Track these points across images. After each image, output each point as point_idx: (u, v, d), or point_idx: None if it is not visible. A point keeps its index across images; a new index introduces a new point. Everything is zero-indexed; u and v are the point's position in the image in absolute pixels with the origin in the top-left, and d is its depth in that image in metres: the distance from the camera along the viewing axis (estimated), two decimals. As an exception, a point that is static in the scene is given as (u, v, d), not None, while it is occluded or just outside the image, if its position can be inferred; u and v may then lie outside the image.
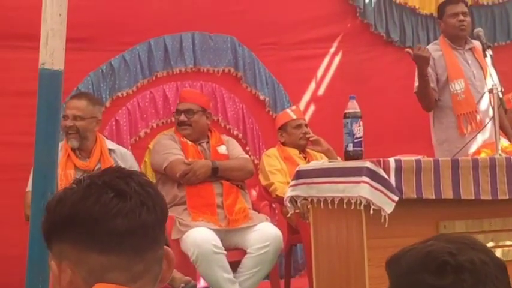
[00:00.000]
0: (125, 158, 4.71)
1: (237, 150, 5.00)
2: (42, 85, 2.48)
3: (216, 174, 4.71)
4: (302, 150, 5.16)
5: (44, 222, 1.41)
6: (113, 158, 4.62)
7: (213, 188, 4.65)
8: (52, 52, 2.43)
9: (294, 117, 5.23)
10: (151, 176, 4.89)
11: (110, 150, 4.65)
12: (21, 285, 2.48)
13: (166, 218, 1.43)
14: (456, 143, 4.84)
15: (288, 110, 5.41)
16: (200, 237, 4.29)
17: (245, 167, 4.91)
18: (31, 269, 2.40)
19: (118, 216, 1.34)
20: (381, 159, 3.52)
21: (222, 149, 4.91)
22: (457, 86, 4.97)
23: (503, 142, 4.39)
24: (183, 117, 4.89)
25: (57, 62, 2.44)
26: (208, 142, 4.93)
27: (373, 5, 6.57)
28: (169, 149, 4.72)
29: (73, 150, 4.52)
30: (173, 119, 5.22)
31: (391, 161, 3.53)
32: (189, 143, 4.81)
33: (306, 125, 5.25)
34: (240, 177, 4.86)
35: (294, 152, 5.10)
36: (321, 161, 4.39)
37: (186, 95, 5.22)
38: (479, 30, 4.63)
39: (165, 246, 1.44)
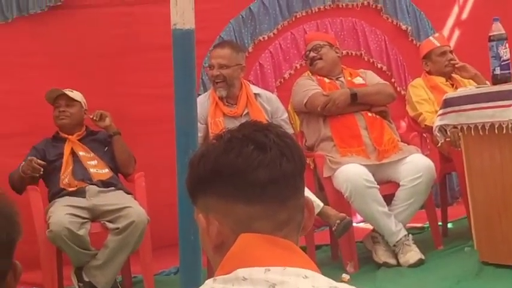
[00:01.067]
0: (270, 101, 4.78)
1: (374, 78, 4.94)
2: (176, 45, 2.55)
3: (355, 100, 4.69)
4: (449, 77, 5.05)
5: (188, 177, 1.47)
6: (259, 103, 4.70)
7: (356, 120, 4.63)
8: (182, 12, 2.49)
9: (438, 44, 5.11)
10: (294, 119, 4.96)
11: (255, 94, 4.73)
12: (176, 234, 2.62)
13: (305, 167, 1.47)
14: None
15: (431, 38, 5.29)
16: (352, 172, 4.31)
17: (384, 90, 4.85)
18: (182, 221, 2.52)
19: (260, 167, 1.38)
20: (531, 79, 3.42)
21: (359, 80, 4.86)
22: None
23: None
24: (312, 54, 4.89)
25: (188, 21, 2.50)
26: (343, 77, 4.90)
27: None
28: (307, 86, 4.73)
29: (220, 98, 4.63)
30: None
31: (542, 81, 3.43)
32: (326, 80, 4.79)
33: (451, 52, 5.12)
34: (381, 101, 4.78)
35: (440, 80, 5.01)
36: (468, 88, 4.31)
37: (310, 36, 5.25)
38: None
39: (306, 195, 1.48)
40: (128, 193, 4.44)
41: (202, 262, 2.57)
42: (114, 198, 4.31)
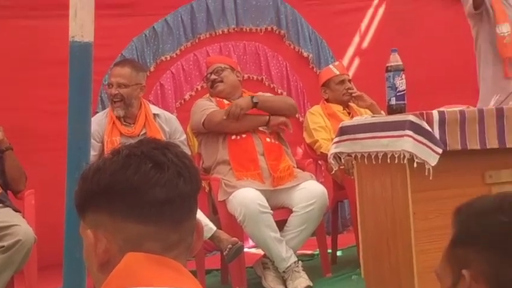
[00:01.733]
0: (169, 122, 4.72)
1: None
2: (73, 58, 2.49)
3: (256, 105, 4.68)
4: (346, 106, 5.13)
5: (79, 191, 1.43)
6: (158, 123, 4.64)
7: (255, 144, 4.63)
8: (81, 24, 2.43)
9: (337, 72, 5.18)
10: (193, 141, 4.92)
11: (154, 115, 4.67)
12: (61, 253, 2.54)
13: (200, 189, 1.45)
14: (500, 82, 4.79)
15: (330, 66, 5.36)
16: (246, 197, 4.30)
17: (286, 100, 4.92)
18: (68, 239, 2.45)
19: (157, 186, 1.36)
20: (424, 111, 3.48)
21: None
22: (504, 28, 4.87)
23: (552, 88, 4.30)
24: (213, 76, 4.87)
25: (87, 34, 2.44)
26: None
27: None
28: (206, 106, 4.71)
29: (118, 117, 4.55)
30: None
31: (435, 113, 3.48)
32: (225, 101, 4.79)
33: (349, 80, 5.20)
34: (282, 109, 4.75)
35: (337, 108, 5.07)
36: (364, 116, 4.36)
37: (212, 59, 5.24)
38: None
39: (197, 218, 1.45)
40: (17, 211, 4.29)
41: (88, 283, 2.50)
42: (1, 216, 4.16)
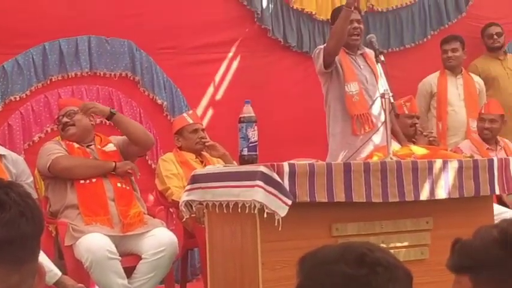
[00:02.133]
0: (16, 163, 4.58)
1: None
2: None
3: (112, 117, 4.67)
4: (199, 154, 5.16)
5: None
6: (4, 164, 4.49)
7: (105, 189, 4.56)
8: None
9: (191, 121, 5.22)
10: (40, 184, 4.80)
11: (0, 156, 4.53)
12: None
13: (43, 230, 1.41)
14: (348, 139, 4.96)
15: (184, 115, 5.40)
16: (94, 243, 4.21)
17: (145, 129, 5.01)
18: None
19: None
20: (275, 163, 3.54)
21: (110, 147, 4.82)
22: (352, 87, 5.06)
23: (395, 146, 4.48)
24: (65, 119, 4.79)
25: None
26: (94, 144, 4.83)
27: (270, 10, 6.63)
28: (52, 150, 4.61)
29: (-37, 157, 4.39)
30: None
31: (285, 165, 3.55)
32: (76, 145, 4.71)
33: (203, 130, 5.24)
34: (138, 134, 4.74)
35: (190, 157, 5.09)
36: (216, 166, 4.39)
37: (64, 102, 5.17)
38: (371, 36, 4.72)
39: (40, 261, 1.41)
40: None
41: None
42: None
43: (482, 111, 6.17)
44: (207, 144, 5.07)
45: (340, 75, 5.09)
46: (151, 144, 4.96)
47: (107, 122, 5.62)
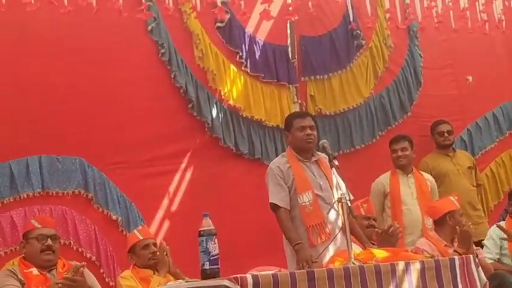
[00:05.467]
0: None
1: (91, 281, 4.79)
2: None
3: None
4: (156, 269, 5.07)
5: None
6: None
7: None
8: None
9: (141, 237, 5.16)
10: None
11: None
12: None
13: None
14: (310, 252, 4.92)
15: (135, 231, 5.33)
16: None
17: None
18: None
19: None
20: (239, 276, 3.50)
21: None
22: (305, 198, 5.06)
23: (356, 249, 4.47)
24: (49, 242, 4.72)
25: None
26: (56, 269, 4.71)
27: (220, 120, 6.68)
28: (5, 284, 4.48)
29: None
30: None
31: (248, 277, 3.52)
32: (34, 272, 4.59)
33: (155, 244, 5.18)
34: None
35: (149, 273, 5.01)
36: (178, 282, 4.32)
37: (48, 220, 5.08)
38: (324, 142, 4.78)
39: None
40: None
41: None
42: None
43: None
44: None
45: (294, 187, 5.10)
46: None
47: (62, 241, 5.55)
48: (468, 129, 8.15)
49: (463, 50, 8.26)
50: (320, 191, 5.10)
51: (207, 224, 3.91)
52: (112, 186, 6.07)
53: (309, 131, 5.19)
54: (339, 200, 4.30)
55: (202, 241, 3.86)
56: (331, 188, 5.09)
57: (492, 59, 8.50)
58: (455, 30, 7.53)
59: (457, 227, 5.44)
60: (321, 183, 5.13)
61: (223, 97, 6.74)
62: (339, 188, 4.41)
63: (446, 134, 7.50)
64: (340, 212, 4.35)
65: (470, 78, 8.23)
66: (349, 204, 4.27)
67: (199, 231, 3.88)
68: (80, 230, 5.79)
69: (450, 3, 7.10)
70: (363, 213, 5.62)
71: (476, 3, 7.16)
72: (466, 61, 8.30)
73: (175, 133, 6.50)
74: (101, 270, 5.75)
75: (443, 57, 8.23)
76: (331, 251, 4.84)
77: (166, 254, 5.06)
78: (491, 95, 8.37)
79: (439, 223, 6.01)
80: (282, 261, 5.19)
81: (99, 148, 6.06)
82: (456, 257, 4.26)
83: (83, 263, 4.61)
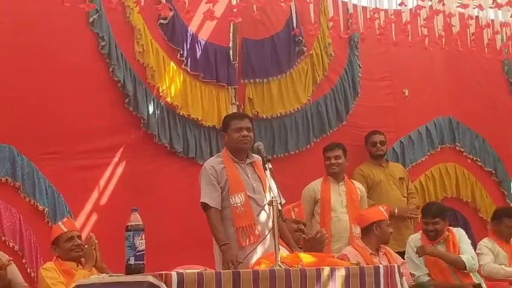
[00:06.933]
0: None
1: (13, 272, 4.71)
2: None
3: None
4: (79, 262, 5.00)
5: None
6: None
7: None
8: None
9: (65, 229, 5.09)
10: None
11: None
12: None
13: None
14: (235, 252, 4.92)
15: (59, 223, 5.25)
16: None
17: None
18: None
19: None
20: (163, 272, 3.46)
21: None
22: (237, 199, 5.07)
23: (283, 252, 4.48)
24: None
25: None
26: None
27: (156, 116, 6.63)
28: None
29: None
30: None
31: (173, 274, 3.48)
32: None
33: (79, 237, 5.11)
34: None
35: (72, 266, 4.94)
36: (101, 275, 4.26)
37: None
38: (259, 144, 4.79)
39: None
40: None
41: None
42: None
43: None
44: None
45: (227, 187, 5.10)
46: None
47: None
48: (401, 141, 8.26)
49: (401, 63, 8.39)
50: (253, 193, 5.11)
51: (135, 219, 3.87)
52: (41, 176, 5.96)
53: (245, 133, 5.19)
54: (270, 203, 4.30)
55: (129, 236, 3.81)
56: (264, 191, 5.11)
57: (429, 74, 8.64)
58: (396, 43, 7.61)
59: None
60: (254, 185, 5.14)
61: (161, 94, 6.69)
62: (271, 191, 4.42)
63: (379, 145, 7.58)
64: (271, 214, 4.34)
65: (406, 91, 8.36)
66: (280, 208, 4.28)
67: (127, 226, 3.84)
68: (5, 219, 5.68)
69: (392, 16, 7.17)
70: (294, 217, 5.63)
71: (418, 17, 7.24)
72: (404, 74, 8.42)
73: (110, 127, 6.43)
74: (24, 261, 5.65)
75: (382, 69, 8.34)
76: (259, 252, 4.85)
77: (95, 248, 4.99)
78: (426, 109, 8.51)
79: (366, 232, 6.09)
80: (211, 260, 5.17)
81: (31, 137, 5.95)
82: (381, 266, 4.29)
83: (10, 259, 4.54)
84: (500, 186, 9.05)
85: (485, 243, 7.03)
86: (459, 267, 6.32)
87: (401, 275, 4.35)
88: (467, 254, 6.40)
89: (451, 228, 6.69)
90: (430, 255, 6.34)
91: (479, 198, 8.76)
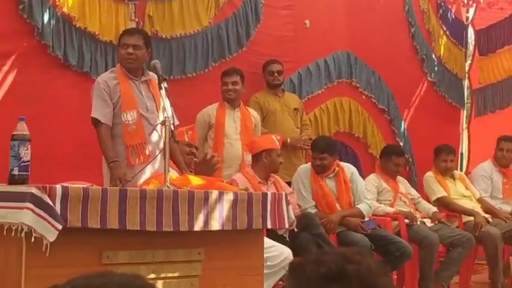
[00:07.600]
0: None
1: None
2: None
3: None
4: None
5: None
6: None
7: None
8: None
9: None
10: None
11: None
12: None
13: None
14: (124, 170, 4.87)
15: None
16: None
17: None
18: None
19: None
20: (47, 185, 3.40)
21: None
22: (129, 116, 5.00)
23: (172, 174, 4.45)
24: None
25: None
26: None
27: (52, 27, 6.38)
28: None
29: None
30: None
31: (58, 188, 3.42)
32: None
33: None
34: None
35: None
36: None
37: None
38: (155, 62, 4.70)
39: None
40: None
41: None
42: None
43: None
44: None
45: (119, 104, 5.02)
46: None
47: None
48: (299, 72, 8.27)
49: (304, -7, 8.35)
50: (146, 112, 5.05)
51: (22, 129, 3.76)
52: None
53: (130, 50, 5.10)
54: (163, 123, 4.25)
55: (14, 145, 3.71)
56: (157, 110, 5.04)
57: (331, 8, 8.64)
58: (300, -27, 7.58)
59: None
60: (148, 104, 5.07)
61: (57, 3, 6.43)
62: (165, 111, 4.35)
63: (276, 74, 7.57)
64: (163, 135, 4.29)
65: (308, 22, 8.34)
66: (172, 128, 4.23)
67: (12, 135, 3.74)
68: None
69: None
70: (187, 140, 5.60)
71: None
72: (307, 5, 8.38)
73: (1, 34, 6.16)
74: None
75: (285, -2, 8.28)
76: (148, 173, 4.81)
77: None
78: (326, 42, 8.53)
79: (256, 159, 6.14)
80: (100, 178, 5.10)
81: None
82: (269, 192, 4.34)
83: None
84: (391, 125, 9.23)
85: (372, 179, 7.22)
86: (359, 217, 6.48)
87: (288, 202, 4.40)
88: (363, 201, 6.56)
89: (340, 163, 6.80)
90: (337, 224, 6.40)
91: (370, 135, 8.92)
